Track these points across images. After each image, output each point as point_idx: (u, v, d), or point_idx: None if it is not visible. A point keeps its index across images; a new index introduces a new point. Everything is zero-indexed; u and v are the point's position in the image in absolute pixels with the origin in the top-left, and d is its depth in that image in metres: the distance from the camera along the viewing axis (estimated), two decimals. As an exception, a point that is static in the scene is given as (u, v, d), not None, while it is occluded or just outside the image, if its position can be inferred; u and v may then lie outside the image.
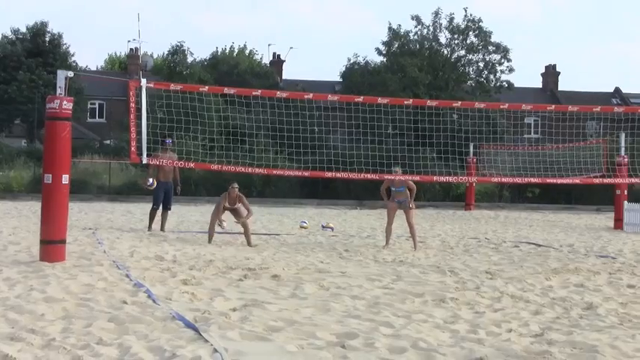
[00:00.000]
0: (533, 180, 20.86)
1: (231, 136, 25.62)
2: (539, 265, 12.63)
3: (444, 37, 45.88)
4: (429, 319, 7.75)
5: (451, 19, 45.25)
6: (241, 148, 23.36)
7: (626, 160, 22.50)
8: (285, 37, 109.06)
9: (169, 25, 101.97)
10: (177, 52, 45.46)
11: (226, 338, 6.47)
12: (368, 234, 18.70)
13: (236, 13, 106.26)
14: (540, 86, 60.19)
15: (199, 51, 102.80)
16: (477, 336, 7.03)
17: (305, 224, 19.80)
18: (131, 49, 57.31)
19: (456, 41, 45.76)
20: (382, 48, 45.64)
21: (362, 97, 19.10)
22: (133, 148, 13.67)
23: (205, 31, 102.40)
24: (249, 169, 17.02)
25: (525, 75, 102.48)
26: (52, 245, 11.04)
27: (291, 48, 76.05)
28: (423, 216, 26.22)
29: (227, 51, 50.58)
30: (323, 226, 19.80)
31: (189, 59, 46.02)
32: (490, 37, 45.21)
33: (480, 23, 45.16)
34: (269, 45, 76.45)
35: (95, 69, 66.11)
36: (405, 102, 19.85)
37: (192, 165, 18.21)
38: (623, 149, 22.95)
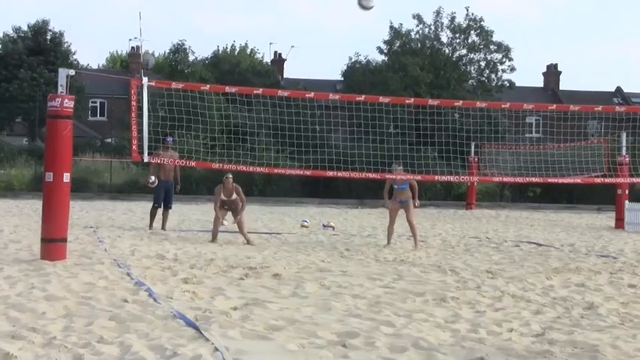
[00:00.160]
0: (534, 179, 20.87)
1: (232, 135, 25.63)
2: (540, 264, 12.63)
3: (445, 36, 45.94)
4: (429, 318, 7.75)
5: (452, 18, 45.26)
6: (242, 146, 23.32)
7: (627, 159, 22.49)
8: (287, 35, 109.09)
9: (171, 23, 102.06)
10: (179, 50, 45.48)
11: (227, 337, 6.47)
12: (369, 233, 18.70)
13: (237, 12, 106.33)
14: (542, 85, 60.15)
15: (201, 50, 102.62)
16: (478, 335, 7.03)
17: (306, 223, 19.80)
18: (132, 48, 57.30)
19: (458, 40, 45.76)
20: (384, 47, 45.66)
21: (363, 96, 19.08)
22: (134, 147, 13.67)
23: (207, 30, 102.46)
24: (251, 168, 17.00)
25: (527, 74, 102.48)
26: (53, 243, 11.04)
27: (293, 47, 76.22)
28: (424, 215, 26.20)
29: (228, 50, 50.58)
30: (324, 225, 19.80)
31: (191, 58, 46.09)
32: (491, 36, 45.23)
33: (482, 22, 45.20)
34: (270, 44, 76.33)
35: (96, 67, 66.09)
36: (407, 101, 19.88)
37: (193, 164, 18.23)
38: (624, 149, 22.94)
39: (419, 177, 16.23)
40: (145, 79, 13.66)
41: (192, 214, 23.26)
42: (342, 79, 47.16)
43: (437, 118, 24.07)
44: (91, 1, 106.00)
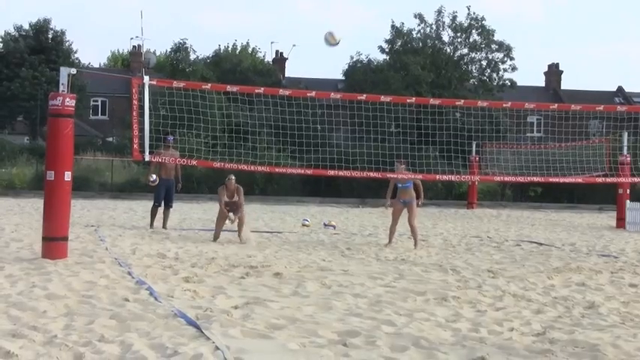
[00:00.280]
0: (535, 179, 20.87)
1: (233, 134, 25.61)
2: (541, 264, 12.63)
3: (446, 35, 45.91)
4: (430, 317, 7.75)
5: (454, 18, 45.23)
6: (244, 145, 23.32)
7: (628, 159, 22.48)
8: (288, 34, 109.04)
9: (172, 22, 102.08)
10: (180, 49, 45.45)
11: (228, 336, 6.48)
12: (370, 232, 18.70)
13: (239, 11, 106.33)
14: (543, 85, 60.13)
15: (202, 49, 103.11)
16: (479, 335, 7.03)
17: (307, 222, 19.80)
18: (134, 47, 57.27)
19: (459, 39, 45.73)
20: (385, 46, 45.64)
21: (364, 96, 19.10)
22: (135, 146, 13.67)
23: (208, 29, 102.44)
24: (252, 167, 16.99)
25: (528, 73, 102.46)
26: (54, 242, 11.05)
27: (294, 46, 76.13)
28: (426, 214, 26.18)
29: (230, 49, 50.58)
30: (325, 224, 19.79)
31: (192, 57, 46.04)
32: (493, 35, 45.20)
33: (483, 21, 45.17)
34: (272, 43, 76.37)
35: (98, 66, 66.07)
36: (408, 100, 19.87)
37: (194, 162, 18.22)
38: (625, 148, 22.93)
39: (420, 176, 16.20)
40: (146, 78, 13.65)
41: (193, 213, 23.26)
42: (344, 78, 47.14)
43: (438, 118, 24.04)
44: (92, 0, 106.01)
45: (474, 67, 46.56)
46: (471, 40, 45.53)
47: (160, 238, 15.23)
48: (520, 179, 21.44)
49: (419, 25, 45.36)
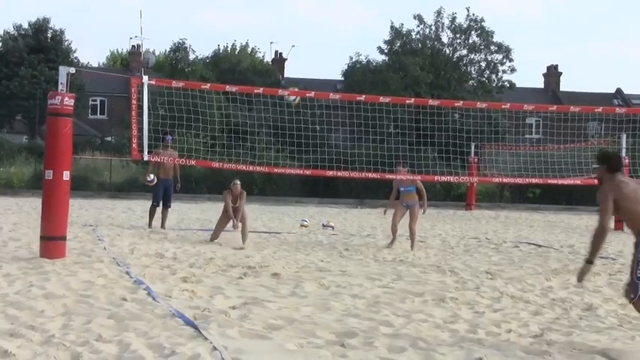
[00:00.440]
0: (534, 180, 20.88)
1: (232, 134, 25.63)
2: (539, 265, 12.64)
3: (446, 36, 45.89)
4: (428, 318, 7.76)
5: (453, 19, 45.21)
6: (242, 145, 23.33)
7: (627, 161, 22.47)
8: (287, 35, 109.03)
9: (171, 22, 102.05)
10: (179, 49, 45.43)
11: (226, 336, 6.48)
12: (368, 233, 18.70)
13: (238, 11, 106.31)
14: (542, 86, 60.13)
15: (201, 48, 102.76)
16: (477, 336, 7.04)
17: (305, 223, 19.78)
18: (133, 46, 57.24)
19: (458, 41, 45.72)
20: (384, 47, 45.63)
21: (364, 96, 19.08)
22: (134, 145, 13.68)
23: (207, 29, 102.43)
24: (251, 167, 17.00)
25: (527, 75, 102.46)
26: (52, 242, 11.05)
27: (293, 46, 76.07)
28: (424, 216, 26.04)
29: (229, 49, 50.56)
30: (323, 225, 19.78)
31: (191, 57, 46.04)
32: (492, 36, 45.19)
33: (482, 23, 45.14)
34: (271, 43, 76.11)
35: (97, 66, 66.04)
36: (407, 101, 19.90)
37: (193, 162, 18.22)
38: (624, 150, 22.93)
39: (419, 177, 16.20)
40: (145, 78, 13.66)
41: (191, 213, 23.26)
42: (343, 78, 47.15)
43: (437, 119, 24.08)
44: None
45: (473, 68, 46.57)
46: (470, 41, 45.53)
47: (158, 237, 15.22)
48: (518, 181, 21.46)
49: (418, 26, 45.41)
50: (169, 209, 17.75)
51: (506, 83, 45.97)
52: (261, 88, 19.29)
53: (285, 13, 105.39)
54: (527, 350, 6.52)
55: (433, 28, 45.49)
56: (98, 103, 54.34)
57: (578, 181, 22.83)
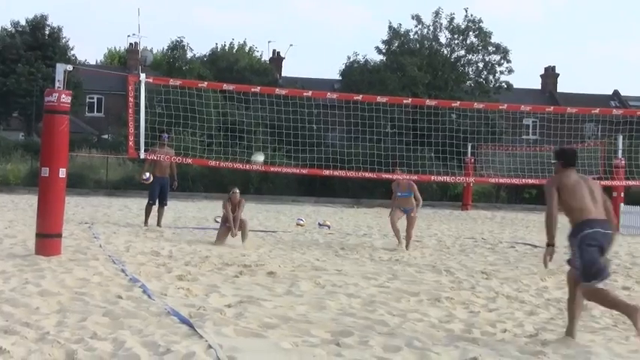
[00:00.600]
0: (530, 181, 20.84)
1: (229, 133, 25.62)
2: (534, 265, 12.64)
3: (444, 36, 45.90)
4: (424, 318, 7.76)
5: (451, 19, 45.24)
6: (239, 144, 23.34)
7: (623, 162, 22.50)
8: (285, 34, 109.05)
9: (169, 20, 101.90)
10: (177, 47, 45.40)
11: (221, 334, 6.48)
12: (364, 232, 18.71)
13: (236, 10, 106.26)
14: (539, 87, 60.20)
15: (199, 47, 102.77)
16: (472, 335, 7.04)
17: (302, 222, 19.78)
18: (131, 44, 57.23)
19: (456, 41, 45.74)
20: (382, 47, 45.63)
21: (361, 96, 19.10)
22: (130, 143, 13.67)
23: (205, 27, 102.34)
24: (247, 166, 17.00)
25: (524, 76, 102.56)
26: (48, 239, 11.04)
27: (291, 45, 75.71)
28: (420, 215, 26.07)
29: (227, 47, 50.54)
30: (319, 224, 19.79)
31: (189, 55, 46.01)
32: (490, 37, 45.20)
33: (480, 24, 45.14)
34: (269, 42, 76.49)
35: (94, 63, 65.93)
36: (404, 101, 19.86)
37: (190, 161, 18.21)
38: (620, 152, 22.94)
39: (415, 177, 16.20)
40: (142, 76, 13.64)
41: (187, 211, 23.26)
42: (340, 78, 47.15)
43: (434, 119, 24.09)
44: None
45: (470, 68, 46.59)
46: (467, 42, 45.55)
47: (154, 236, 15.22)
48: (515, 181, 21.44)
49: (416, 26, 45.42)
50: (165, 207, 17.74)
51: (503, 84, 45.99)
52: (259, 87, 19.30)
53: (284, 13, 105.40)
54: (522, 350, 6.53)
55: (431, 28, 45.55)
56: (95, 100, 54.27)
57: (574, 182, 22.81)
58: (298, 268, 11.08)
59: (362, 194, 33.81)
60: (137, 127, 13.56)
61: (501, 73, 45.93)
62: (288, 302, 8.27)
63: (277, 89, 17.94)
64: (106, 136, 46.29)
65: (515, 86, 46.98)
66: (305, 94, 16.99)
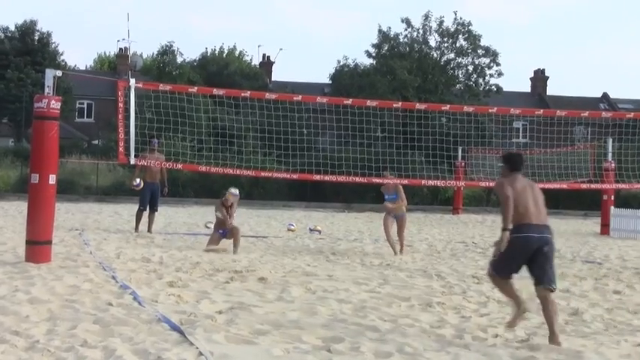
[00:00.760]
0: (520, 184, 20.88)
1: (219, 138, 25.62)
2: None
3: (433, 40, 46.04)
4: (415, 323, 7.76)
5: (441, 23, 45.37)
6: (230, 149, 23.33)
7: (613, 165, 22.57)
8: (275, 38, 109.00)
9: (159, 25, 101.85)
10: (167, 52, 45.38)
11: (212, 341, 6.46)
12: (355, 237, 18.69)
13: (226, 14, 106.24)
14: (529, 90, 60.34)
15: (189, 51, 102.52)
16: (463, 341, 7.04)
17: (292, 227, 19.78)
18: (120, 49, 57.12)
19: (446, 44, 45.87)
20: (372, 50, 45.72)
21: (351, 100, 19.11)
22: (120, 149, 13.64)
23: (195, 32, 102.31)
24: (238, 171, 17.00)
25: (514, 79, 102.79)
26: (37, 246, 10.99)
27: (281, 49, 75.82)
28: (411, 219, 26.15)
29: (217, 52, 50.52)
30: (310, 229, 19.77)
31: (179, 60, 45.98)
32: (479, 40, 45.34)
33: (470, 27, 45.29)
34: (259, 46, 76.64)
35: (84, 68, 65.88)
36: (394, 105, 19.93)
37: (180, 166, 18.18)
38: (610, 154, 23.02)
39: (406, 181, 16.21)
40: (132, 81, 13.61)
41: (178, 217, 23.21)
42: (331, 82, 47.18)
43: (424, 122, 24.13)
44: (79, 2, 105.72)
45: (460, 72, 46.71)
46: (457, 45, 45.68)
47: (144, 242, 15.18)
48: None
49: (406, 29, 45.55)
50: (156, 213, 17.69)
51: (493, 87, 46.13)
52: (249, 92, 19.26)
53: (273, 17, 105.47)
54: (514, 355, 6.53)
55: (421, 31, 45.67)
56: (85, 106, 54.12)
57: (564, 185, 22.90)
58: (289, 274, 11.07)
59: (353, 199, 33.81)
60: (127, 133, 13.53)
61: (491, 76, 46.15)
62: (279, 308, 8.25)
63: (267, 94, 17.94)
64: (96, 142, 46.17)
65: (504, 89, 47.12)
66: (295, 98, 17.04)
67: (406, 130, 27.46)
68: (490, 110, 23.52)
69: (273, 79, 55.12)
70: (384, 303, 8.85)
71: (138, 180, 17.09)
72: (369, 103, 17.22)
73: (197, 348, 6.14)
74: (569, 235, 21.97)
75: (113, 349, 6.06)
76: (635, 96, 60.74)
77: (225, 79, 43.50)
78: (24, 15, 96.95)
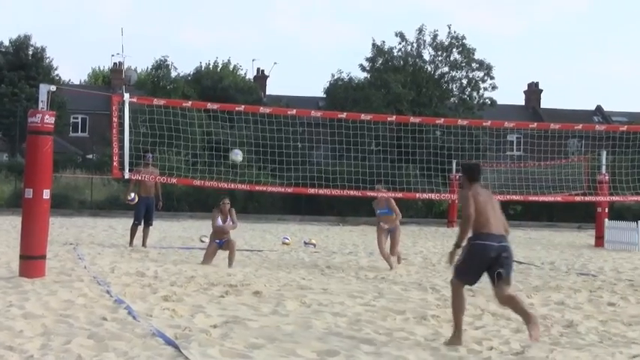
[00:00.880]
0: (515, 197, 20.95)
1: (214, 152, 25.60)
2: (520, 282, 12.66)
3: (427, 53, 46.09)
4: (410, 336, 7.75)
5: (435, 36, 45.46)
6: (224, 163, 23.30)
7: (607, 177, 22.62)
8: (269, 52, 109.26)
9: (153, 39, 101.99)
10: (161, 66, 45.39)
11: (207, 355, 6.45)
12: (350, 250, 18.69)
13: (220, 29, 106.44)
14: (523, 103, 60.48)
15: (183, 66, 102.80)
16: (458, 354, 7.04)
17: (287, 240, 19.77)
18: (115, 64, 57.16)
19: (440, 58, 45.94)
20: (366, 64, 45.75)
21: (345, 114, 19.15)
22: (115, 163, 13.63)
23: (189, 46, 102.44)
24: (232, 185, 16.97)
25: (508, 92, 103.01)
26: (31, 261, 10.97)
27: (275, 63, 75.85)
28: (406, 232, 26.17)
29: (211, 66, 50.57)
30: (305, 243, 19.77)
31: (173, 74, 46.00)
32: (473, 54, 45.42)
33: (464, 40, 45.36)
34: (253, 60, 76.27)
35: (78, 83, 65.91)
36: (388, 118, 19.92)
37: (174, 180, 18.18)
38: (604, 167, 23.07)
39: (400, 194, 16.20)
40: (126, 96, 13.61)
41: (173, 231, 23.18)
42: (325, 95, 47.22)
43: (418, 136, 24.16)
44: (73, 16, 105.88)
45: (454, 85, 46.77)
46: (451, 58, 45.76)
47: (139, 256, 15.15)
48: (500, 197, 21.38)
49: (400, 43, 45.59)
50: (151, 227, 17.67)
51: (487, 100, 46.19)
52: (243, 106, 19.31)
53: (267, 31, 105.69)
54: (509, 368, 6.53)
55: (415, 45, 45.74)
56: (79, 120, 54.09)
57: (558, 198, 22.95)
58: (284, 288, 11.06)
59: (347, 212, 33.79)
60: (121, 147, 13.52)
61: (485, 89, 46.17)
62: (274, 322, 8.24)
63: (262, 108, 17.94)
64: (90, 156, 46.08)
65: (498, 102, 47.19)
66: (289, 112, 17.04)
67: (400, 143, 27.42)
68: (484, 123, 23.59)
69: (267, 93, 55.18)
70: (378, 316, 8.85)
71: (133, 194, 17.08)
72: (363, 116, 17.24)
73: (192, 362, 6.13)
74: (564, 248, 21.99)
75: (107, 363, 6.05)
76: (629, 109, 60.95)
77: (220, 93, 43.51)
78: (18, 30, 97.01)
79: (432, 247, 20.83)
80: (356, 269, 14.21)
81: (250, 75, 56.37)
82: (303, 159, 25.92)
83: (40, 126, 11.05)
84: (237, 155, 15.67)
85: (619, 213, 30.37)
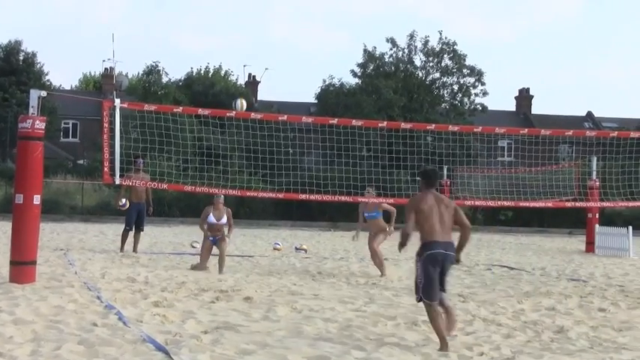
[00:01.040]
0: (506, 203, 20.96)
1: (205, 157, 25.56)
2: (511, 288, 12.68)
3: (418, 59, 46.21)
4: (401, 342, 7.76)
5: (426, 42, 45.58)
6: (215, 169, 23.25)
7: (597, 183, 22.67)
8: (261, 58, 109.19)
9: (144, 45, 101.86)
10: (152, 72, 45.32)
11: (197, 361, 6.44)
12: (341, 256, 18.69)
13: (212, 34, 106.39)
14: (514, 109, 60.62)
15: (174, 71, 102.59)
16: (449, 359, 7.04)
17: (278, 246, 19.75)
18: (106, 69, 57.06)
19: (431, 64, 46.05)
20: (357, 70, 45.82)
21: (336, 119, 19.14)
22: (105, 169, 13.59)
23: (181, 52, 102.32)
24: (223, 191, 16.92)
25: (499, 98, 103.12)
26: (22, 266, 10.94)
27: (267, 69, 75.70)
28: (397, 238, 26.19)
29: (202, 72, 50.52)
30: (296, 248, 19.76)
31: (165, 79, 45.94)
32: (464, 60, 45.53)
33: (455, 46, 45.50)
34: (244, 66, 76.35)
35: (69, 88, 65.70)
36: (380, 124, 19.95)
37: (165, 186, 18.14)
38: (594, 173, 23.14)
39: (391, 200, 16.19)
40: (117, 101, 13.59)
41: (164, 237, 23.14)
42: (316, 101, 47.23)
43: (409, 142, 24.19)
44: (64, 21, 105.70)
45: (445, 91, 46.86)
46: (442, 64, 45.87)
47: (130, 262, 15.13)
48: (491, 203, 21.51)
49: (391, 49, 45.71)
50: (142, 233, 17.65)
51: (478, 106, 46.29)
52: (234, 111, 19.27)
53: (259, 37, 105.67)
54: (499, 373, 6.54)
55: (406, 51, 45.83)
56: (70, 126, 53.95)
57: (549, 204, 22.99)
58: (275, 293, 11.05)
59: (339, 218, 33.78)
60: (112, 153, 13.49)
61: (476, 95, 46.31)
62: (264, 328, 8.24)
63: (253, 113, 17.96)
64: (81, 162, 45.99)
65: (490, 108, 47.29)
66: (280, 118, 17.02)
67: (392, 149, 27.49)
68: (475, 129, 23.60)
69: (258, 98, 55.16)
70: (369, 322, 8.85)
71: (124, 200, 17.06)
72: (354, 122, 17.26)
73: (182, 368, 6.12)
74: (555, 253, 22.04)
75: (98, 369, 6.03)
76: (619, 114, 61.10)
77: (211, 98, 43.49)
78: (9, 35, 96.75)
79: (423, 252, 20.78)
80: (347, 275, 14.21)
81: (242, 81, 56.39)
82: (294, 164, 25.89)
83: (30, 131, 11.03)
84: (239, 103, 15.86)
85: (610, 219, 30.44)
